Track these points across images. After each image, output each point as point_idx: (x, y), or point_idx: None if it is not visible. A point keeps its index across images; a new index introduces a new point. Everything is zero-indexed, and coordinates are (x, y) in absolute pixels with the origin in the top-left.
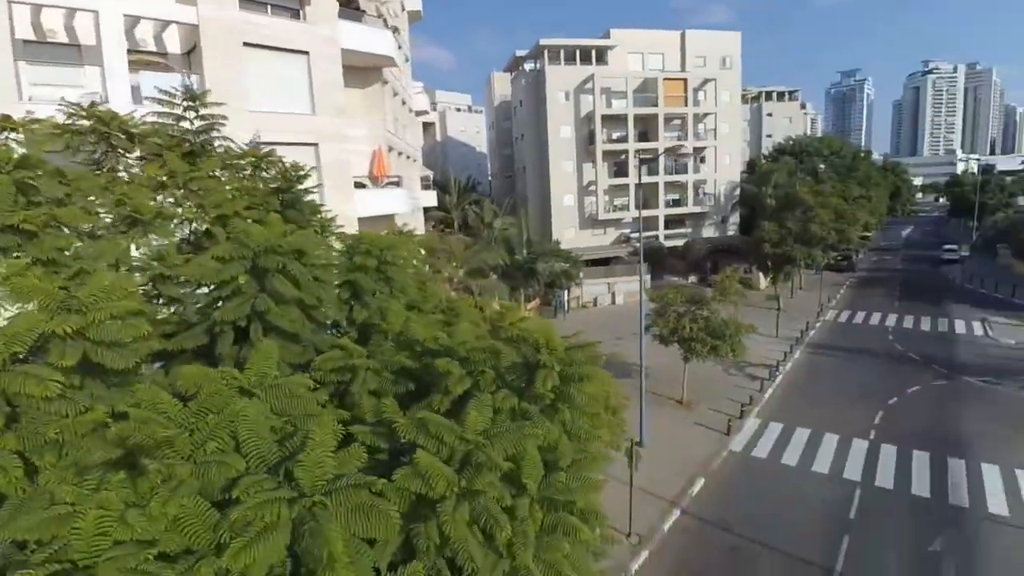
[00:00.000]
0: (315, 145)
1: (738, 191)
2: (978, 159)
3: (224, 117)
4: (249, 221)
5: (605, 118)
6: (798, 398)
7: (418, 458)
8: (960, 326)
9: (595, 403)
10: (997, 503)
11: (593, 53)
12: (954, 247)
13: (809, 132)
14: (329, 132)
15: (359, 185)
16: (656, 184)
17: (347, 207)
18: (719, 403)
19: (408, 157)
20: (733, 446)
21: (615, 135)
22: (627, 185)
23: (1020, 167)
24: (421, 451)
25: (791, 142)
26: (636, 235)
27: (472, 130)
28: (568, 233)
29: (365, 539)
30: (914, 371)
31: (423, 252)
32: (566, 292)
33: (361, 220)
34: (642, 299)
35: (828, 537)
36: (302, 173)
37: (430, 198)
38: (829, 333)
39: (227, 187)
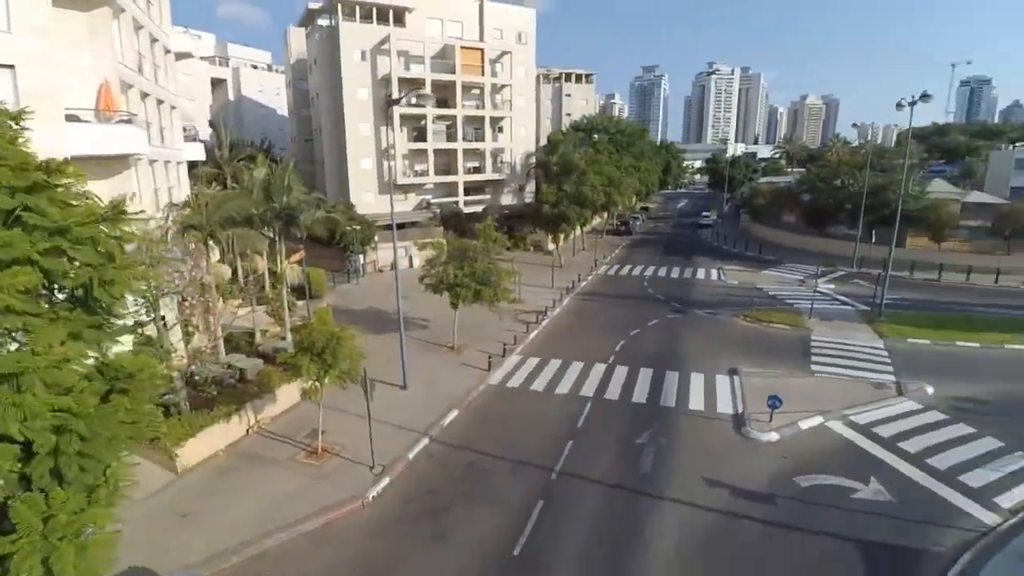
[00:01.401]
0: (11, 67)
1: (533, 160)
2: (745, 147)
3: None
4: None
5: (403, 81)
6: (558, 336)
7: None
8: (701, 273)
9: None
10: (696, 401)
11: (391, 13)
12: (709, 214)
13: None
14: (30, 54)
15: (72, 119)
16: (455, 151)
17: (54, 142)
18: (488, 345)
19: (163, 102)
20: (491, 380)
21: (414, 99)
22: (427, 150)
23: (771, 154)
24: None
25: (585, 120)
26: (437, 201)
27: (272, 91)
28: (367, 197)
29: None
30: (657, 308)
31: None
32: (362, 256)
33: (80, 160)
34: (396, 259)
35: (556, 444)
36: None
37: (195, 151)
38: (598, 283)
39: None
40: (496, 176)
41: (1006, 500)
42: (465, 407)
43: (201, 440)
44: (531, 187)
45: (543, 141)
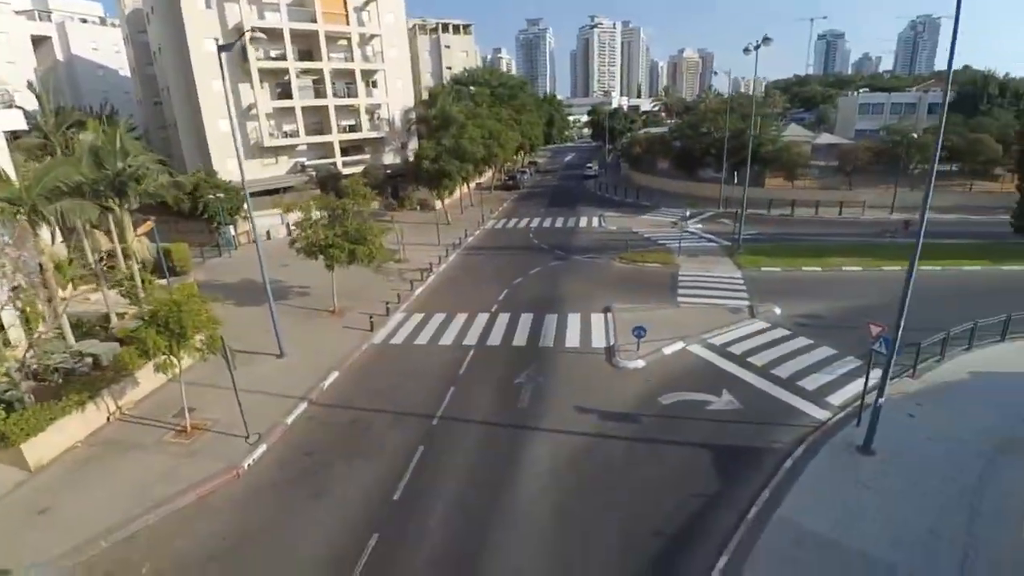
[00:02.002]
0: None
1: (413, 115)
2: (628, 100)
3: None
4: None
5: (258, 31)
6: (443, 291)
7: None
8: (583, 221)
9: None
10: (573, 339)
11: None
12: (592, 165)
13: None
14: None
15: None
16: (326, 108)
17: None
18: (371, 306)
19: None
20: (374, 340)
21: (273, 52)
22: (294, 109)
23: (650, 106)
24: None
25: (466, 73)
26: (312, 163)
27: (111, 48)
28: (232, 163)
29: None
30: (540, 257)
31: None
32: (232, 228)
33: None
34: (255, 228)
35: (437, 392)
36: None
37: (11, 120)
38: (485, 237)
39: None
40: (374, 134)
41: (837, 398)
42: (347, 368)
43: (53, 433)
44: (414, 144)
45: (425, 96)
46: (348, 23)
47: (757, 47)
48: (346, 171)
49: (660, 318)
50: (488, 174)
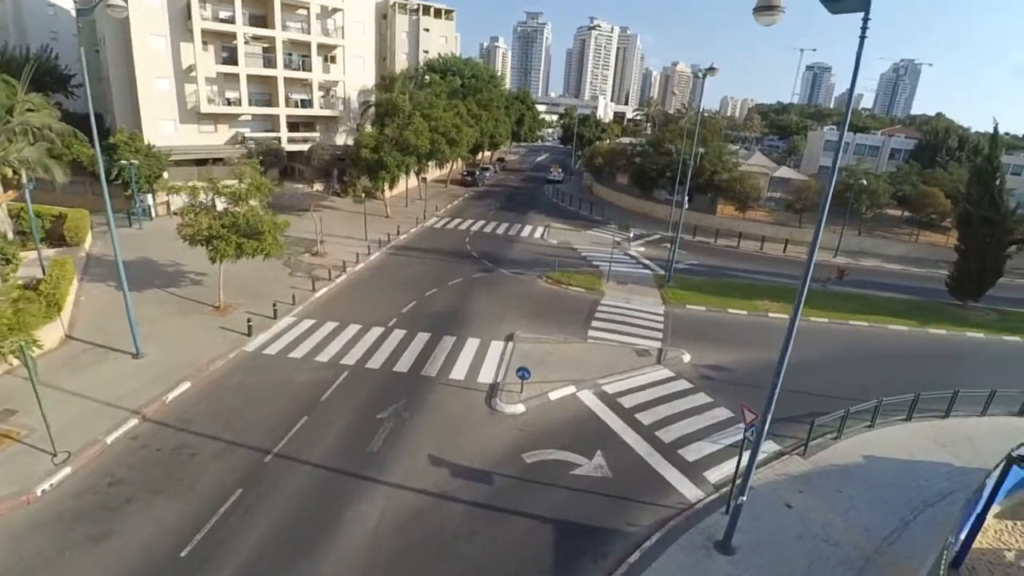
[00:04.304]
0: None
1: (372, 97)
2: (615, 105)
3: None
4: None
5: None
6: (346, 295)
7: None
8: (527, 231)
9: None
10: (460, 370)
11: None
12: (556, 170)
13: (499, 66)
14: None
15: None
16: (275, 79)
17: None
18: (263, 305)
19: None
20: (247, 347)
21: (222, 14)
22: (239, 76)
23: (632, 115)
24: None
25: (440, 60)
26: (253, 135)
27: None
28: (165, 127)
29: None
30: (466, 266)
31: None
32: (150, 197)
33: None
34: (108, 204)
35: (287, 421)
36: None
37: None
38: (417, 237)
39: None
40: (328, 112)
41: (715, 474)
42: (202, 379)
43: None
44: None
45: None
46: None
47: (704, 74)
48: (291, 147)
49: (561, 354)
50: (448, 167)
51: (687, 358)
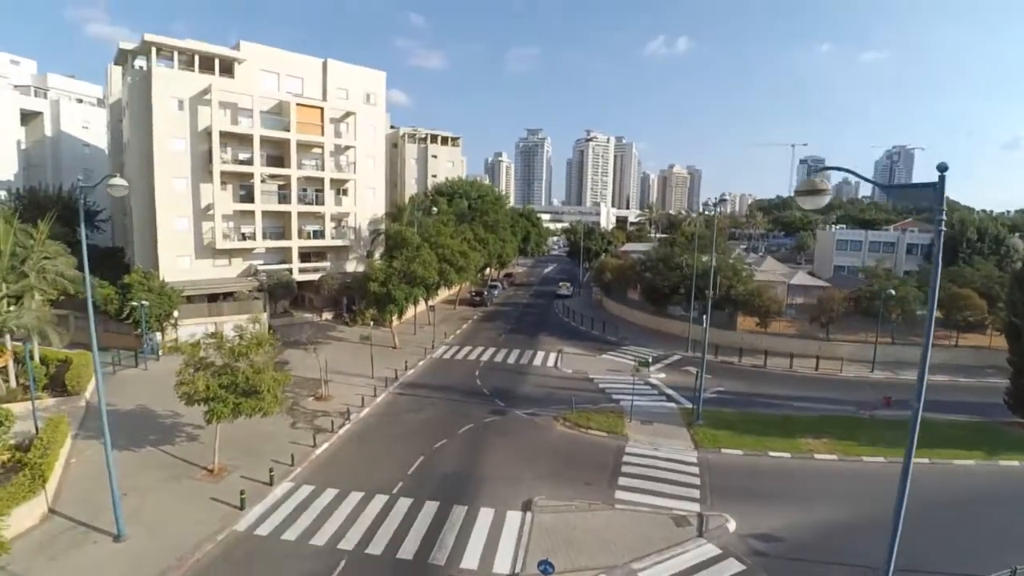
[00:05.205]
0: None
1: (383, 225)
2: (617, 210)
3: None
4: None
5: (229, 136)
6: (348, 451)
7: None
8: (539, 358)
9: None
10: (473, 555)
11: (217, 62)
12: (565, 285)
13: (504, 178)
14: None
15: None
16: (289, 213)
17: None
18: (258, 467)
19: None
20: (238, 526)
21: (241, 156)
22: (255, 212)
23: (635, 219)
24: None
25: (447, 184)
26: (265, 268)
27: (102, 128)
28: (182, 262)
29: None
30: (478, 407)
31: None
32: (159, 335)
33: None
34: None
35: None
36: None
37: None
38: (427, 371)
39: None
40: (339, 242)
41: None
42: (184, 572)
43: None
44: (380, 253)
45: (406, 202)
46: (323, 133)
47: (716, 205)
48: (302, 278)
49: (587, 527)
50: (456, 287)
51: (732, 526)
